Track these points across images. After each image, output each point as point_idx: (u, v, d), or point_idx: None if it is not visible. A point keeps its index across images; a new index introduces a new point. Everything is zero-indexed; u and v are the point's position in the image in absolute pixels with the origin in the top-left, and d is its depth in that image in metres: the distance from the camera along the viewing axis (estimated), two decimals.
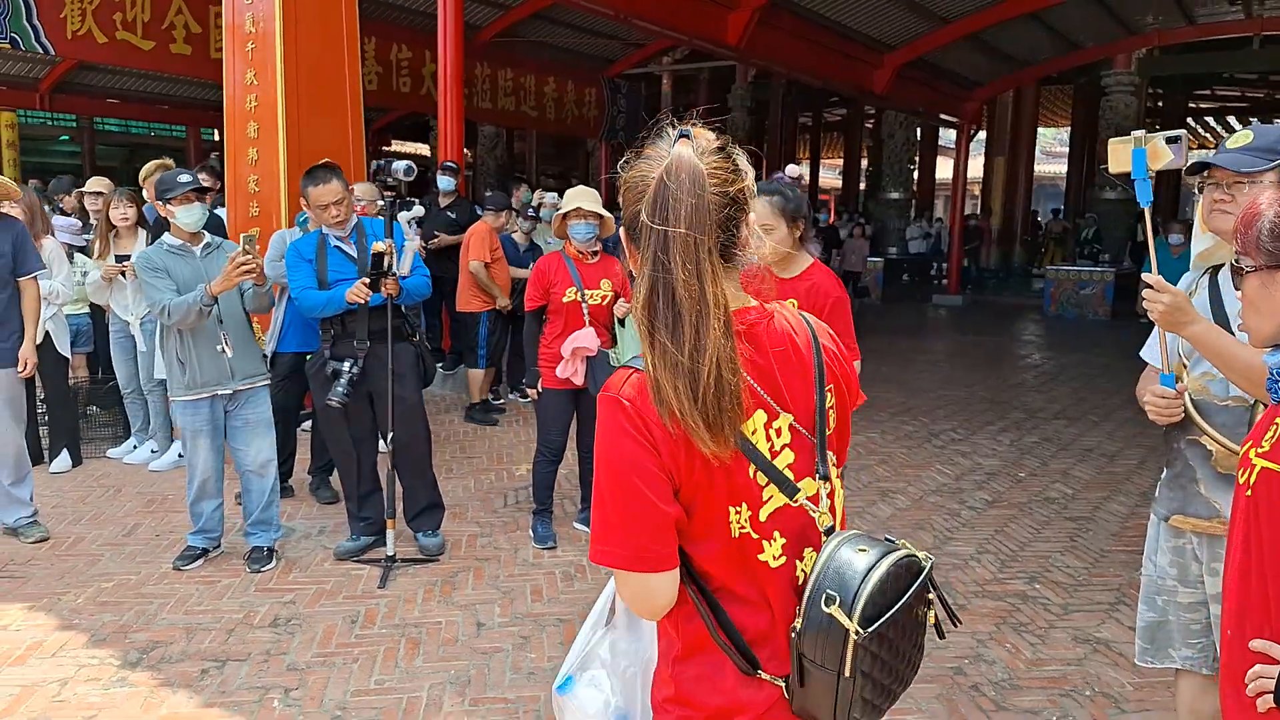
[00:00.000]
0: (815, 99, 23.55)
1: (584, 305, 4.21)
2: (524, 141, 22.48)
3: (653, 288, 1.15)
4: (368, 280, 3.88)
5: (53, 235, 5.19)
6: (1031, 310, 14.99)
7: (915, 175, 18.62)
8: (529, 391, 4.47)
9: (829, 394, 1.32)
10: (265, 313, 4.57)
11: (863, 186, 24.03)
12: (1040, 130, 21.70)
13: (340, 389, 3.98)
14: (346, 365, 4.03)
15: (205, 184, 3.94)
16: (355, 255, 4.16)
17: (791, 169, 3.14)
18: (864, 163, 24.19)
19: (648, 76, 19.25)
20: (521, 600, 3.78)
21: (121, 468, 5.51)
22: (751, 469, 1.22)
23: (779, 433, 1.25)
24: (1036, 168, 21.31)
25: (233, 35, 6.45)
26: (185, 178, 3.88)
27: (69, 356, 5.35)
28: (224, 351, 3.88)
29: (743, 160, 1.25)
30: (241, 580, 3.94)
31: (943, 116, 17.85)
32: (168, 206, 3.85)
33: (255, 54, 6.36)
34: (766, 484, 1.24)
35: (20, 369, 4.26)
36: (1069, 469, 5.88)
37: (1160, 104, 20.53)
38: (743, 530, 1.23)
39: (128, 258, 5.06)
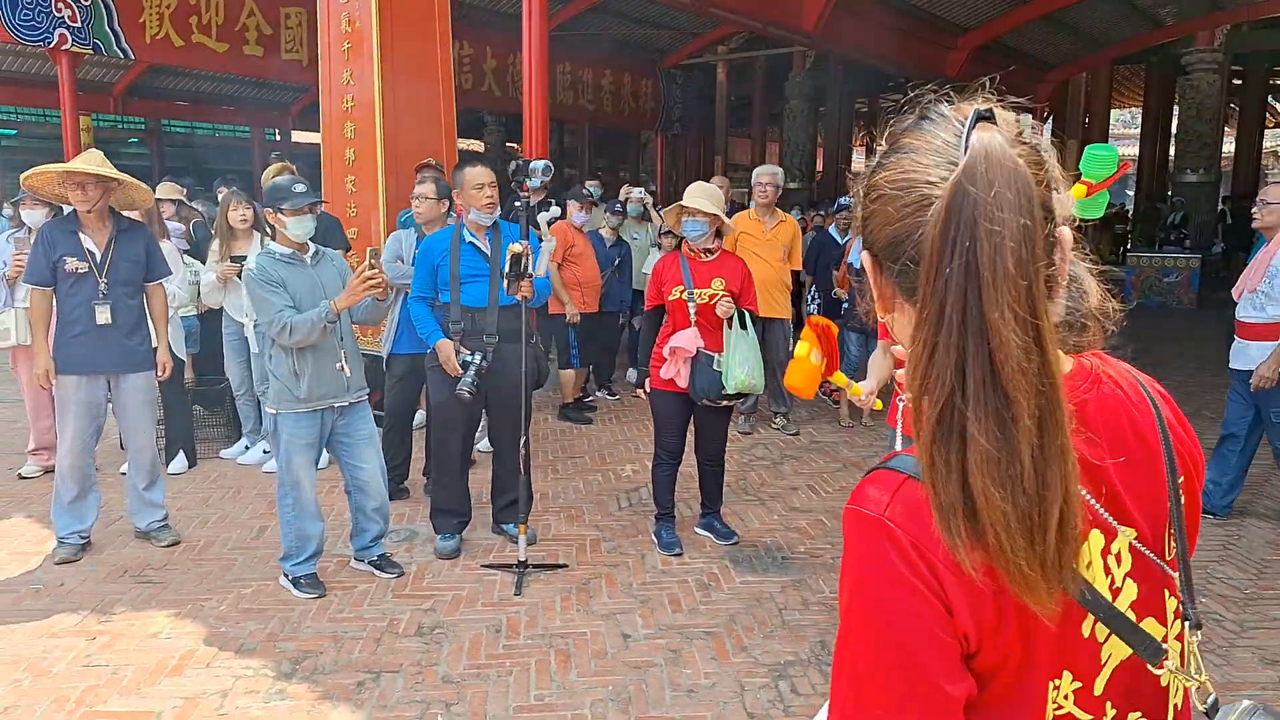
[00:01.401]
0: (872, 85, 23.14)
1: (691, 304, 4.10)
2: (574, 135, 22.44)
3: (956, 355, 0.74)
4: (468, 381, 3.95)
5: (169, 239, 5.23)
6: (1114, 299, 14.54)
7: None
8: (638, 392, 4.38)
9: (1180, 491, 0.93)
10: (376, 324, 4.57)
11: None
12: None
13: (469, 378, 3.96)
14: (476, 357, 4.00)
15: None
16: (489, 253, 4.12)
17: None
18: None
19: (702, 66, 19.06)
20: (661, 610, 3.70)
21: (236, 469, 5.55)
22: (1088, 622, 0.86)
23: (1118, 559, 0.88)
24: None
25: (328, 35, 6.44)
26: (301, 188, 3.81)
27: (185, 359, 5.39)
28: (344, 370, 3.82)
29: (1045, 145, 0.87)
30: (377, 586, 3.92)
31: (1014, 100, 17.37)
32: (279, 215, 3.75)
33: (351, 53, 6.35)
34: (1106, 638, 0.87)
35: (160, 373, 4.30)
36: None
37: (1241, 82, 19.80)
38: (1061, 712, 0.87)
39: (244, 259, 5.07)
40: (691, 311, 4.05)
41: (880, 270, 0.87)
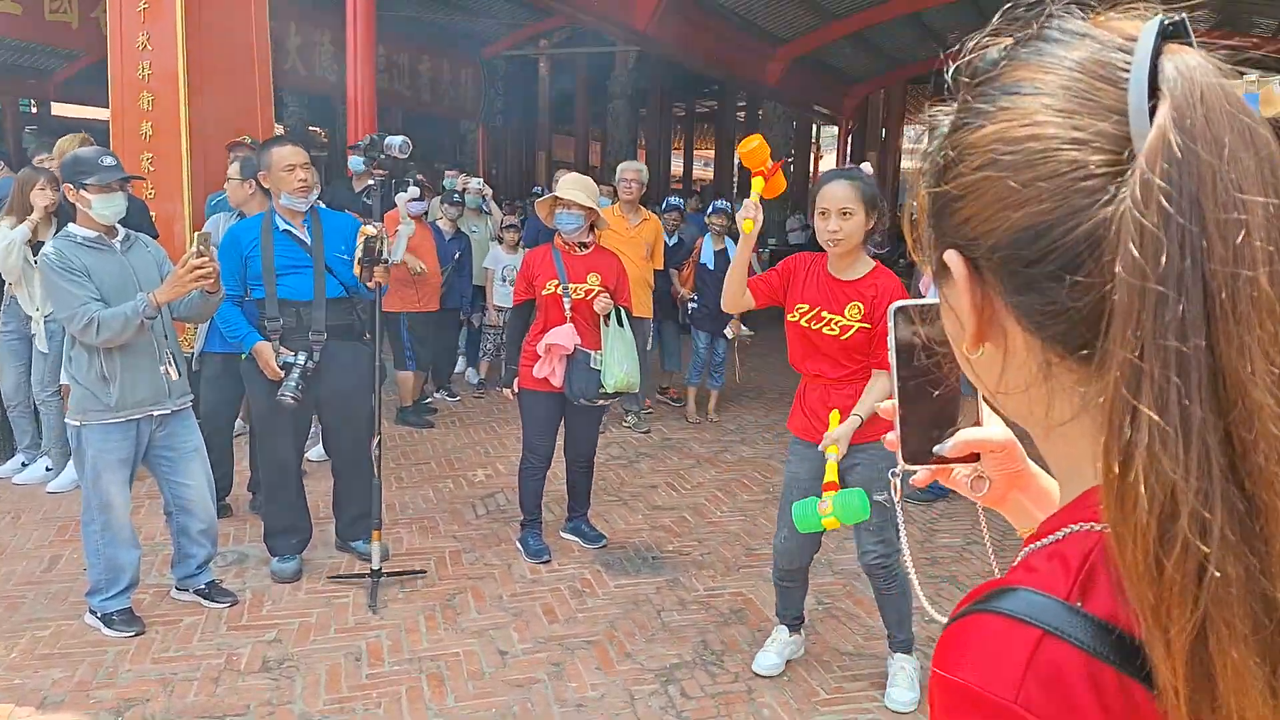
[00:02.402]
0: (688, 89, 23.71)
1: (566, 300, 3.91)
2: (389, 122, 21.45)
3: (1176, 436, 0.45)
4: (291, 385, 3.58)
5: None
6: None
7: (793, 168, 19.02)
8: (505, 392, 4.14)
9: None
10: (205, 320, 4.07)
11: (735, 178, 24.38)
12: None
13: (293, 382, 3.58)
14: (301, 358, 3.62)
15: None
16: (308, 242, 3.74)
17: (867, 165, 3.00)
18: (736, 154, 24.54)
19: (525, 60, 18.79)
20: (537, 622, 3.48)
21: (13, 490, 4.77)
22: None
23: None
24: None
25: None
26: (110, 160, 3.31)
27: None
28: (167, 372, 3.35)
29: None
30: (207, 618, 3.45)
31: (824, 110, 18.31)
32: (82, 193, 3.22)
33: (149, 14, 5.65)
34: None
35: None
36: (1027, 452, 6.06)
37: None
38: None
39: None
40: (566, 307, 3.85)
41: (981, 281, 0.56)
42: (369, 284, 3.66)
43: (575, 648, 3.29)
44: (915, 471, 0.81)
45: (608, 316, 3.85)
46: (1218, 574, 0.44)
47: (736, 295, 2.94)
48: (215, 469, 4.31)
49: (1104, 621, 0.50)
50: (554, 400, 3.96)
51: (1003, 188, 0.53)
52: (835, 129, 21.04)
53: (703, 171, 28.98)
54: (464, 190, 7.26)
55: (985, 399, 0.67)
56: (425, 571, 3.87)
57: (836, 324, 2.82)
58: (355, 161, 6.08)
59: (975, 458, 0.80)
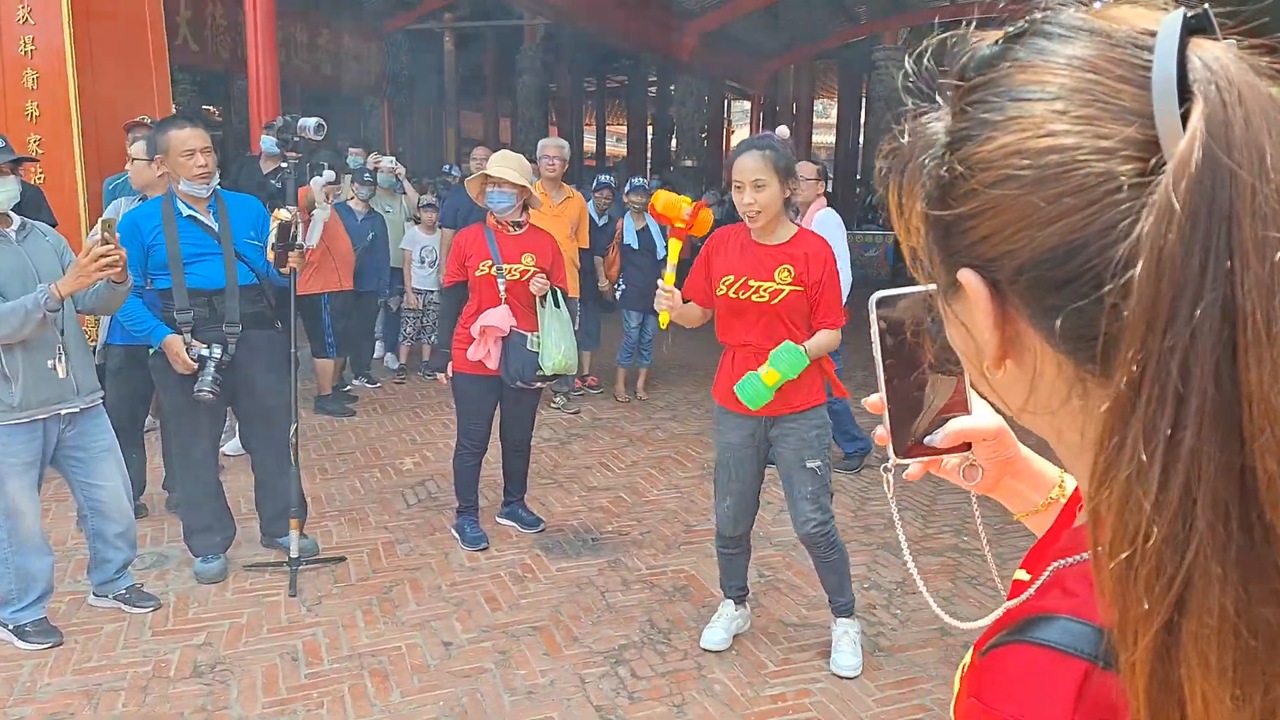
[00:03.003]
0: (599, 64, 23.49)
1: (500, 280, 3.84)
2: (288, 98, 20.62)
3: (1191, 469, 0.42)
4: (208, 380, 3.43)
5: None
6: None
7: (706, 142, 19.09)
8: (439, 376, 4.05)
9: None
10: (112, 313, 3.86)
11: (649, 155, 24.35)
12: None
13: (208, 378, 3.44)
14: (216, 351, 3.47)
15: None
16: (215, 227, 3.58)
17: (783, 130, 3.01)
18: (649, 130, 24.50)
19: (429, 34, 18.29)
20: (479, 610, 3.43)
21: None
22: None
23: None
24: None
25: None
26: None
27: None
28: (55, 368, 3.15)
29: None
30: (130, 624, 3.28)
31: (736, 85, 18.42)
32: None
33: None
34: None
35: None
36: None
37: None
38: None
39: None
40: (501, 288, 3.77)
41: (1002, 300, 0.52)
42: (283, 270, 3.55)
43: (521, 635, 3.25)
44: (907, 466, 0.80)
45: (544, 297, 3.79)
46: (1195, 609, 0.42)
47: (696, 318, 3.03)
48: (127, 468, 4.11)
49: None
50: (489, 383, 3.89)
51: (1025, 205, 0.48)
52: (748, 104, 21.24)
53: (615, 148, 28.85)
54: (376, 169, 7.03)
55: (981, 394, 0.63)
56: (345, 559, 3.80)
57: (765, 290, 2.82)
58: (268, 142, 5.82)
59: (967, 447, 0.79)
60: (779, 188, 2.77)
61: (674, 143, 20.64)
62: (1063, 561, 0.56)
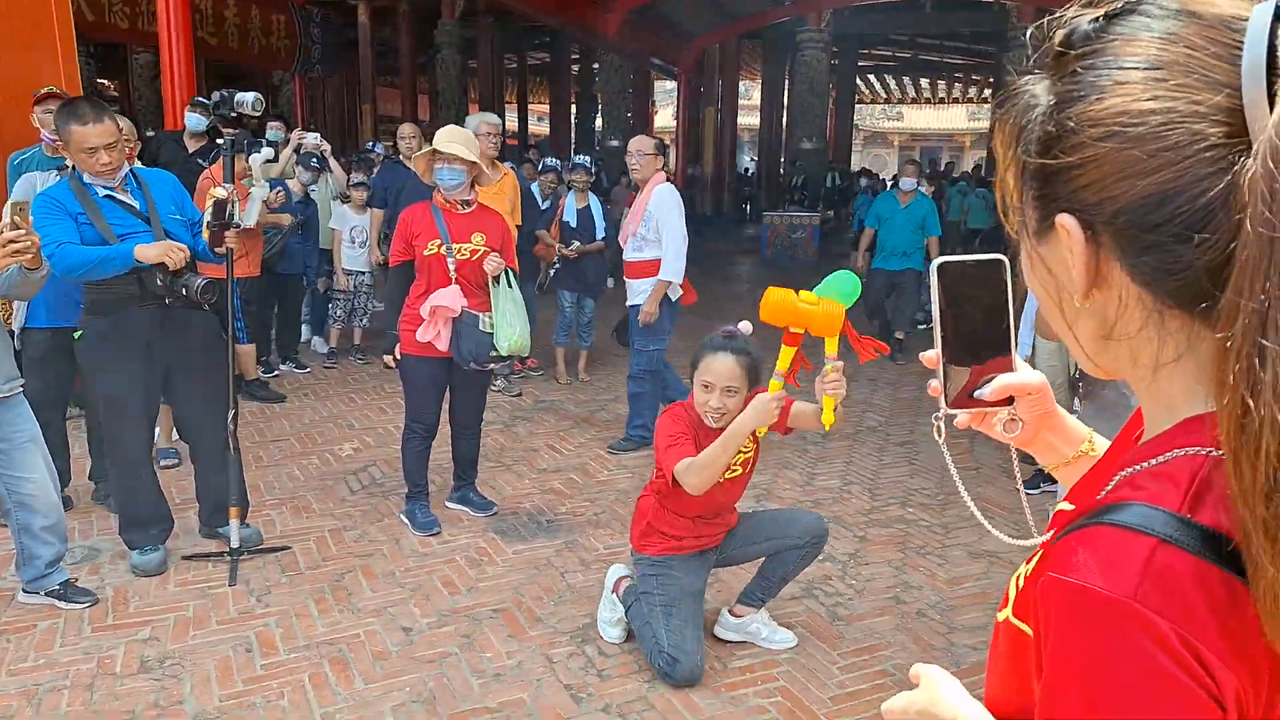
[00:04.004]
0: (520, 40, 23.15)
1: (450, 260, 3.76)
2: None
3: None
4: (209, 238, 3.20)
5: None
6: (751, 254, 16.09)
7: (632, 122, 19.05)
8: (385, 359, 3.95)
9: None
10: (26, 299, 3.66)
11: (573, 134, 24.15)
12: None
13: (193, 275, 3.34)
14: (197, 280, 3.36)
15: None
16: (138, 207, 3.42)
17: (745, 325, 2.85)
18: (573, 109, 24.31)
19: (343, 7, 17.73)
20: (438, 595, 3.38)
21: None
22: None
23: None
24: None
25: None
26: None
27: None
28: None
29: None
30: (66, 621, 3.12)
31: (661, 63, 18.39)
32: None
33: None
34: None
35: None
36: (868, 398, 6.42)
37: (837, 62, 22.76)
38: None
39: None
40: (451, 268, 3.68)
41: (1095, 241, 0.61)
42: (218, 250, 3.42)
43: (483, 617, 3.21)
44: (956, 415, 0.87)
45: (496, 277, 3.72)
46: None
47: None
48: (52, 459, 3.91)
49: (1212, 530, 0.58)
50: (439, 365, 3.81)
51: (1128, 158, 0.57)
52: (673, 83, 21.20)
53: (538, 127, 28.50)
54: (300, 147, 6.77)
55: (1072, 348, 0.70)
56: (291, 548, 3.70)
57: (736, 463, 2.79)
58: (193, 120, 5.55)
59: (1010, 401, 0.86)
60: (745, 395, 2.72)
61: (599, 122, 20.55)
62: (1130, 469, 0.64)
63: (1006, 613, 0.72)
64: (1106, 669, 0.58)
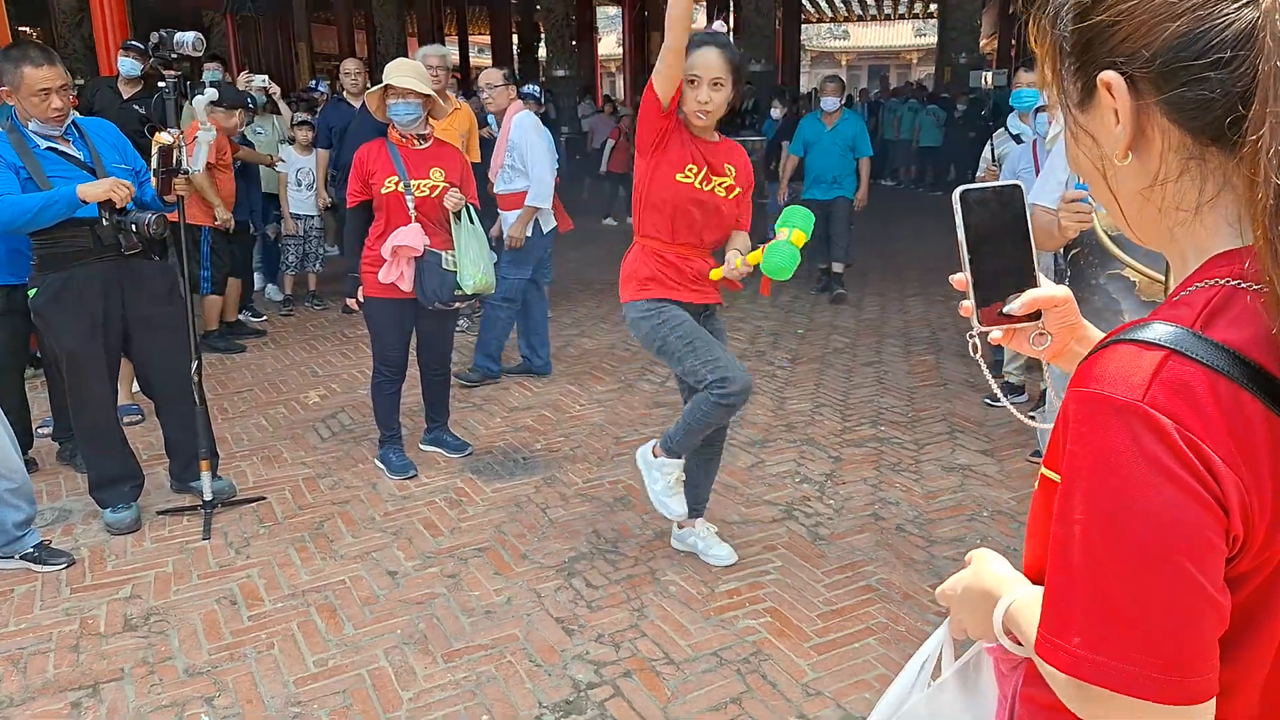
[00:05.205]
0: None
1: (409, 198, 3.66)
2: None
3: None
4: (149, 181, 3.08)
5: None
6: None
7: (577, 52, 18.58)
8: (349, 302, 3.87)
9: None
10: None
11: (517, 66, 23.50)
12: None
13: (141, 212, 3.26)
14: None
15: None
16: (82, 158, 3.29)
17: (720, 24, 2.93)
18: (514, 40, 23.64)
19: None
20: (420, 537, 3.37)
21: None
22: None
23: None
24: None
25: None
26: None
27: None
28: None
29: None
30: (44, 583, 3.07)
31: None
32: None
33: None
34: None
35: None
36: (831, 320, 6.47)
37: None
38: None
39: None
40: (410, 206, 3.59)
41: (1136, 91, 0.70)
42: (168, 198, 3.31)
43: (468, 557, 3.22)
44: (989, 331, 0.91)
45: (458, 214, 3.64)
46: None
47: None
48: (13, 422, 3.80)
49: (1222, 344, 0.66)
50: (404, 306, 3.74)
51: (1159, 5, 0.67)
52: (616, 9, 20.62)
53: (480, 59, 27.69)
54: (247, 89, 6.50)
55: (1108, 224, 0.88)
56: (266, 498, 3.67)
57: (722, 185, 2.78)
58: (127, 64, 5.27)
59: (1037, 315, 0.91)
60: (730, 91, 2.70)
61: (542, 52, 20.01)
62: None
63: (1041, 469, 0.79)
64: (1112, 464, 0.65)
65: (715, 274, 2.79)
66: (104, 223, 3.17)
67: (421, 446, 4.15)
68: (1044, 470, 0.78)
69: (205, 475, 3.48)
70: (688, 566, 3.10)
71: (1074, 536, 0.67)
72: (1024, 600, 0.81)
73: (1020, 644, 0.83)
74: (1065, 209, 2.47)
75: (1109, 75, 0.70)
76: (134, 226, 3.19)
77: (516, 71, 22.56)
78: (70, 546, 3.29)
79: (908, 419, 4.52)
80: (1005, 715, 0.89)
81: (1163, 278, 2.35)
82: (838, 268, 7.02)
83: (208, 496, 3.47)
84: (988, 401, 4.66)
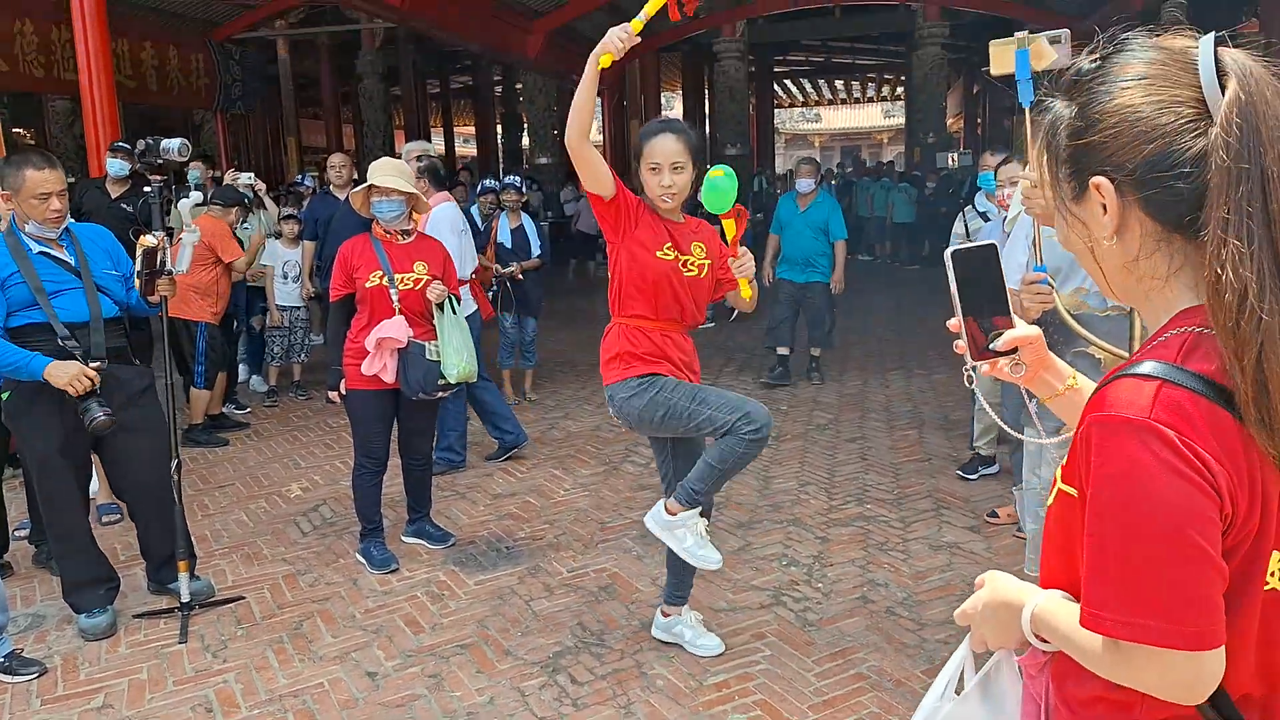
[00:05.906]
0: (442, 65, 23.01)
1: (393, 291, 3.70)
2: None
3: (1256, 251, 0.84)
4: (95, 406, 3.13)
5: None
6: None
7: (558, 137, 19.04)
8: (331, 395, 3.87)
9: None
10: None
11: (500, 154, 24.06)
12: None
13: (94, 404, 3.18)
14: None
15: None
16: (72, 261, 3.33)
17: (668, 111, 3.03)
18: (499, 129, 24.23)
19: (261, 42, 17.41)
20: (401, 635, 3.30)
21: None
22: None
23: None
24: None
25: None
26: None
27: None
28: None
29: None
30: (14, 695, 2.97)
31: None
32: None
33: None
34: None
35: None
36: (815, 395, 6.50)
37: (753, 69, 23.10)
38: (1267, 589, 0.91)
39: None
40: (394, 299, 3.63)
41: (1120, 191, 0.92)
42: (151, 299, 3.35)
43: (449, 655, 3.15)
44: (981, 366, 1.14)
45: (440, 305, 3.68)
46: (1266, 321, 0.83)
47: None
48: None
49: (1198, 373, 0.87)
50: (386, 398, 3.75)
51: (1137, 132, 0.90)
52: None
53: (465, 148, 28.34)
54: (234, 185, 6.61)
55: (1097, 278, 1.01)
56: (245, 598, 3.59)
57: (693, 264, 2.83)
58: (115, 165, 5.38)
59: (1015, 350, 1.13)
60: (692, 173, 2.79)
61: (526, 140, 20.49)
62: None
63: (1058, 485, 0.97)
64: (1135, 466, 0.85)
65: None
66: (64, 402, 3.19)
67: (404, 538, 4.10)
68: (1061, 485, 0.96)
69: (183, 576, 3.41)
70: (675, 658, 3.04)
71: (1107, 526, 0.87)
72: (1046, 603, 0.97)
73: (1048, 641, 0.98)
74: (1026, 290, 2.54)
75: (1100, 180, 0.92)
76: (83, 415, 3.16)
77: (501, 159, 23.10)
78: (43, 654, 3.21)
79: (893, 496, 4.51)
80: (1039, 715, 1.03)
81: (1126, 354, 2.39)
82: (815, 352, 7.04)
83: (185, 598, 3.40)
84: (960, 474, 4.65)
